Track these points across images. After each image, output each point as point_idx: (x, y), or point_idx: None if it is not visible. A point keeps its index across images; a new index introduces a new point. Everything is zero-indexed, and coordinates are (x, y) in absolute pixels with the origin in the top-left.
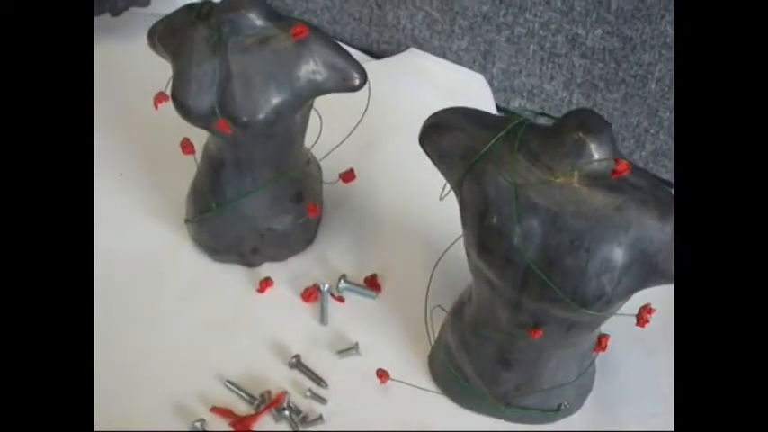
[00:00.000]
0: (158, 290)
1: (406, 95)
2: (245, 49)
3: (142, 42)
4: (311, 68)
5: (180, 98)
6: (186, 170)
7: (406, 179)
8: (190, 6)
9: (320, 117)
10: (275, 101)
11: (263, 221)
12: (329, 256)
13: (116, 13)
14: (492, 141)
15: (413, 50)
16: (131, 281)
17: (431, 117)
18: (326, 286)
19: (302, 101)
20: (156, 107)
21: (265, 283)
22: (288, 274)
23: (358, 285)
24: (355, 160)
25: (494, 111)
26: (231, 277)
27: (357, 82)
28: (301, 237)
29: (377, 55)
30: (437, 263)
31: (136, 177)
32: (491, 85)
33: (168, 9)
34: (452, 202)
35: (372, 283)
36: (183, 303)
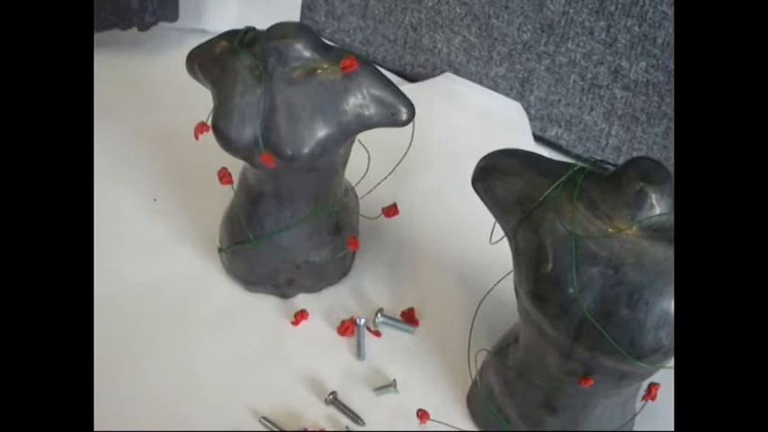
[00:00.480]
0: (189, 319)
1: (441, 120)
2: (291, 80)
3: (171, 58)
4: (359, 102)
5: (222, 129)
6: (220, 196)
7: (444, 209)
8: (231, 33)
9: (368, 153)
10: (321, 135)
11: (301, 254)
12: (365, 288)
13: (144, 27)
14: (551, 188)
15: (448, 75)
16: (160, 309)
17: (485, 159)
18: (363, 320)
19: (348, 135)
20: (197, 137)
21: (300, 316)
22: (323, 306)
23: (395, 320)
24: (390, 188)
25: (530, 139)
26: (265, 308)
27: (405, 117)
28: (338, 268)
29: (410, 78)
30: (481, 301)
31: (168, 201)
32: (528, 113)
33: (196, 24)
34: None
35: (410, 318)
36: (215, 334)
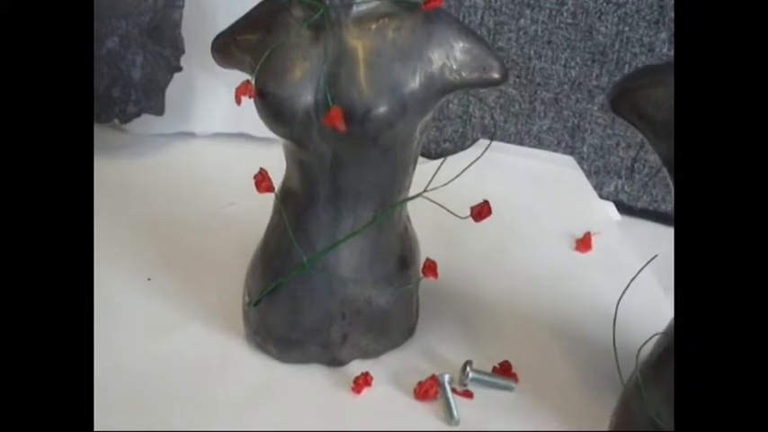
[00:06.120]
0: (213, 402)
1: (482, 192)
2: (360, 26)
3: (156, 162)
4: (445, 53)
5: (272, 91)
6: (223, 278)
7: (506, 267)
8: None
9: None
10: (403, 88)
11: (362, 289)
12: (436, 348)
13: (126, 119)
14: None
15: (482, 142)
16: (175, 395)
17: (622, 81)
18: (447, 377)
19: (432, 97)
20: (239, 101)
21: (362, 381)
22: (387, 370)
23: (490, 375)
24: (440, 254)
25: (593, 195)
26: (311, 378)
27: (498, 74)
28: (403, 322)
29: (434, 157)
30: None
31: (166, 281)
32: (581, 167)
33: (182, 126)
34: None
35: (506, 371)
36: (250, 417)
